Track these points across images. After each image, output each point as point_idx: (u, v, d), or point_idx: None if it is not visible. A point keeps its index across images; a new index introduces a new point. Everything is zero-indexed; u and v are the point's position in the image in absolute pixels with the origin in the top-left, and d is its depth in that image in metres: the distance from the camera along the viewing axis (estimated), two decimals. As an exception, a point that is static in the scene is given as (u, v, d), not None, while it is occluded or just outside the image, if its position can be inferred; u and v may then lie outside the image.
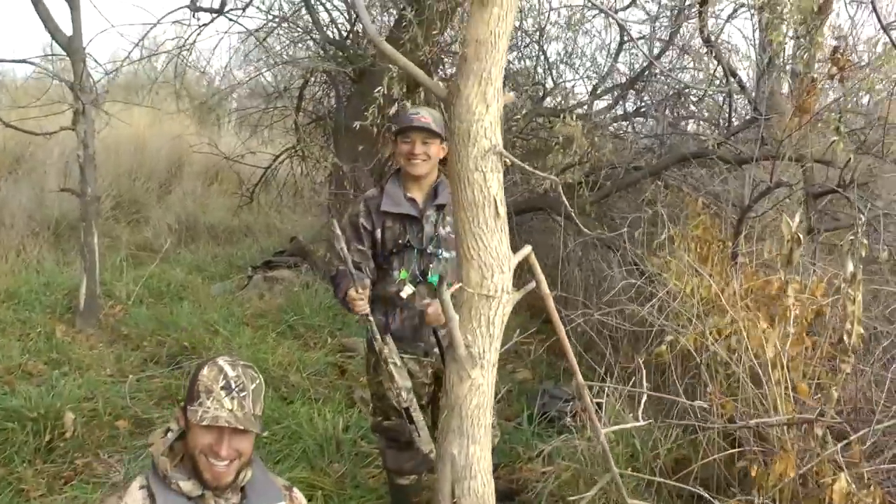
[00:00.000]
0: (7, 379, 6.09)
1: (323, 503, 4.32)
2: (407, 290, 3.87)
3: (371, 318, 3.79)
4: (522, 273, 2.42)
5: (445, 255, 3.91)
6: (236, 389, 2.32)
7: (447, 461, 2.31)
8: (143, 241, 11.06)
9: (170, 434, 2.40)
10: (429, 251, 3.89)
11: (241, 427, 2.27)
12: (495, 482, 4.79)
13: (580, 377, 2.36)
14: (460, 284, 2.25)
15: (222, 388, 2.32)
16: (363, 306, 3.73)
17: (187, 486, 2.33)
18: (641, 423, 2.45)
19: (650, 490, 4.32)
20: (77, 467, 4.97)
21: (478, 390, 2.26)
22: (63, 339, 7.17)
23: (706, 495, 2.41)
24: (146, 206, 12.55)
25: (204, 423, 2.28)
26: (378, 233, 3.95)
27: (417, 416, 3.87)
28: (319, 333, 7.22)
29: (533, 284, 2.33)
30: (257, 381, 2.38)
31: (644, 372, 2.98)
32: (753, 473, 2.94)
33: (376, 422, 4.20)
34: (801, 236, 3.25)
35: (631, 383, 5.11)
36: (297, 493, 2.58)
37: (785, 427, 3.28)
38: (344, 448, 4.96)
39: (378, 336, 3.81)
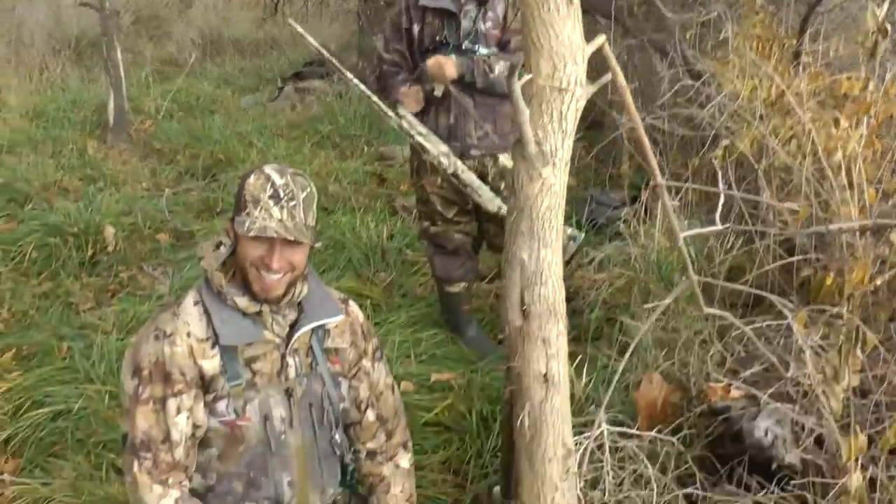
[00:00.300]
0: (45, 195, 6.04)
1: (371, 312, 4.27)
2: (439, 89, 3.68)
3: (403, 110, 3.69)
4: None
5: (483, 51, 3.70)
6: (285, 198, 2.15)
7: (516, 266, 2.18)
8: (167, 56, 10.80)
9: (222, 248, 2.27)
10: (464, 47, 3.69)
11: (291, 238, 2.11)
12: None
13: (659, 176, 2.19)
14: (529, 76, 2.06)
15: (270, 197, 2.14)
16: (418, 104, 3.66)
17: (243, 301, 2.20)
18: (720, 227, 2.28)
19: (706, 297, 4.22)
20: (122, 280, 4.97)
21: (549, 190, 2.10)
22: (95, 155, 7.08)
23: (773, 298, 2.27)
24: (167, 21, 12.19)
25: (251, 233, 2.12)
26: (416, 29, 3.76)
27: (468, 175, 3.74)
28: (356, 143, 7.05)
29: (608, 77, 2.13)
30: (308, 190, 2.19)
31: (719, 172, 2.78)
32: (828, 282, 2.81)
33: (423, 228, 4.08)
34: (889, 27, 2.98)
35: (683, 190, 4.95)
36: (353, 307, 2.47)
37: (857, 233, 3.13)
38: (389, 257, 4.89)
39: (402, 117, 3.69)
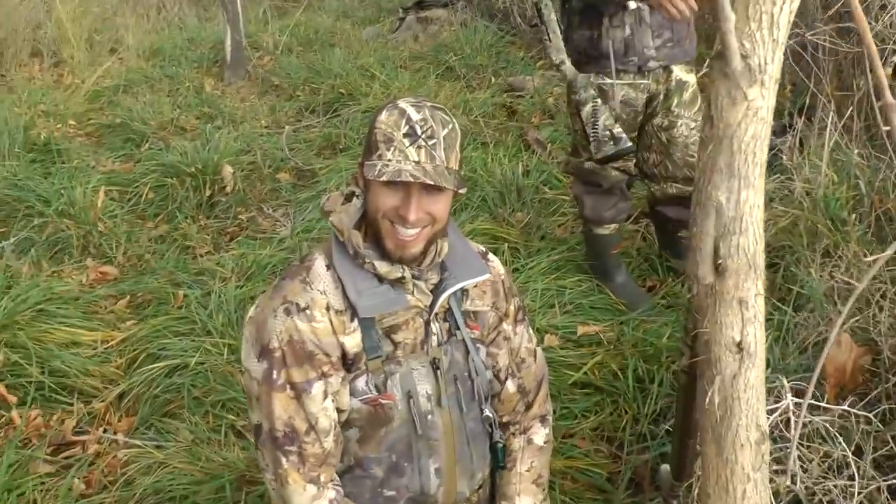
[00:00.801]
0: (161, 135, 5.86)
1: (509, 257, 3.89)
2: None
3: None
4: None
5: None
6: (423, 136, 1.77)
7: (710, 211, 1.76)
8: (285, -8, 10.51)
9: (355, 201, 1.92)
10: None
11: (431, 182, 1.75)
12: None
13: (889, 95, 1.72)
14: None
15: (405, 135, 1.78)
16: None
17: (384, 267, 1.86)
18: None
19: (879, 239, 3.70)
20: (241, 223, 4.75)
21: (755, 116, 1.66)
22: (213, 92, 6.89)
23: None
24: (285, -44, 11.90)
25: (384, 178, 1.76)
26: None
27: (547, 12, 3.33)
28: (482, 73, 6.60)
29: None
30: (450, 126, 1.82)
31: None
32: None
33: (574, 163, 3.65)
34: None
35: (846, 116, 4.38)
36: (495, 261, 2.11)
37: None
38: (526, 195, 4.47)
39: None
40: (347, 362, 1.87)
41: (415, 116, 1.79)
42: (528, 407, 2.15)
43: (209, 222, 4.72)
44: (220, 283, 3.81)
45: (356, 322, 1.86)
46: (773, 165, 4.70)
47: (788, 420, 2.22)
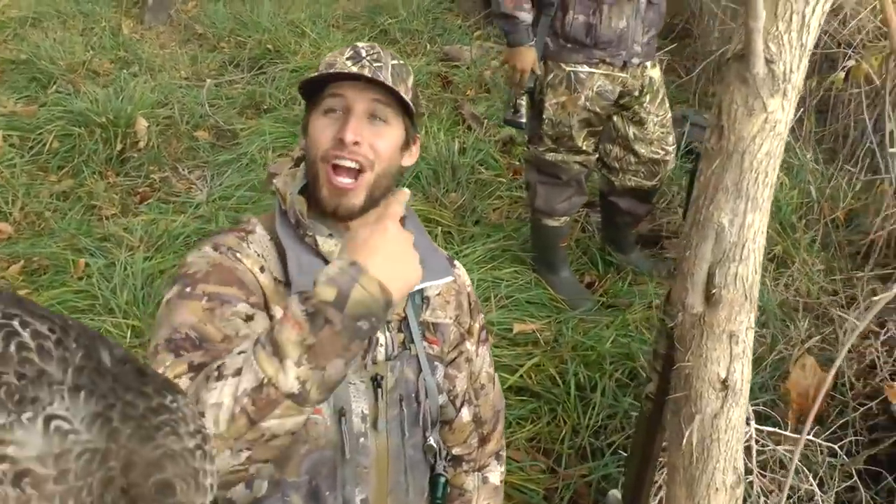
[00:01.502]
0: (71, 77, 5.40)
1: (443, 242, 3.63)
2: None
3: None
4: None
5: None
6: (368, 58, 1.53)
7: (709, 233, 1.54)
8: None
9: (303, 166, 1.64)
10: None
11: (370, 75, 1.50)
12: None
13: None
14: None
15: (349, 58, 1.54)
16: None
17: (328, 244, 1.58)
18: None
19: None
20: (153, 183, 4.37)
21: (772, 130, 1.45)
22: (131, 35, 6.42)
23: None
24: None
25: (313, 75, 1.53)
26: None
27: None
28: (417, 39, 6.29)
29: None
30: (401, 61, 1.58)
31: None
32: None
33: (535, 152, 3.45)
34: None
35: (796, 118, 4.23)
36: (461, 269, 1.83)
37: None
38: (461, 175, 4.21)
39: None
40: None
41: (361, 44, 1.57)
42: (484, 441, 1.89)
43: (118, 180, 4.34)
44: (126, 253, 3.45)
45: None
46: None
47: (748, 448, 2.06)
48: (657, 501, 2.26)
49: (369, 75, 1.51)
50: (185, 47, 6.34)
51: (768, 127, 1.44)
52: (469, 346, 1.80)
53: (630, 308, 3.42)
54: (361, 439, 1.63)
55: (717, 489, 1.74)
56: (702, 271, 1.58)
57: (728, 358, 1.64)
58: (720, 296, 1.58)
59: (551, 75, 3.26)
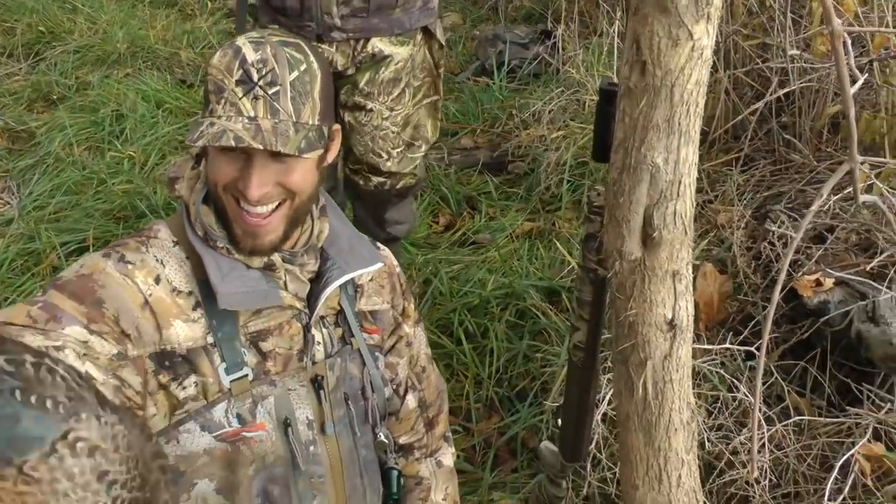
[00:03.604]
0: None
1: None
2: None
3: None
4: None
5: None
6: (261, 83, 1.32)
7: (643, 176, 1.44)
8: None
9: (204, 164, 1.43)
10: None
11: (260, 146, 1.30)
12: (475, 153, 4.08)
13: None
14: None
15: (238, 82, 1.32)
16: None
17: (243, 253, 1.41)
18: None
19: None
20: (-46, 204, 3.88)
21: (700, 58, 1.35)
22: None
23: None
24: None
25: (199, 143, 1.32)
26: None
27: None
28: (203, -1, 5.88)
29: None
30: (302, 67, 1.36)
31: None
32: None
33: None
34: None
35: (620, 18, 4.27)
36: (386, 251, 1.69)
37: None
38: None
39: None
40: (172, 361, 1.37)
41: (251, 57, 1.33)
42: (431, 425, 1.79)
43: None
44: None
45: (200, 312, 1.39)
46: (531, 76, 4.52)
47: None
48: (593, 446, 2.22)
49: (261, 143, 1.29)
50: (-61, 41, 5.67)
51: (696, 55, 1.34)
52: (407, 328, 1.70)
53: (494, 243, 3.35)
54: (311, 447, 1.50)
55: (675, 429, 1.69)
56: (638, 216, 1.49)
57: (673, 298, 1.57)
58: (660, 237, 1.50)
59: None
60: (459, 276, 3.15)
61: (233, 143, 1.28)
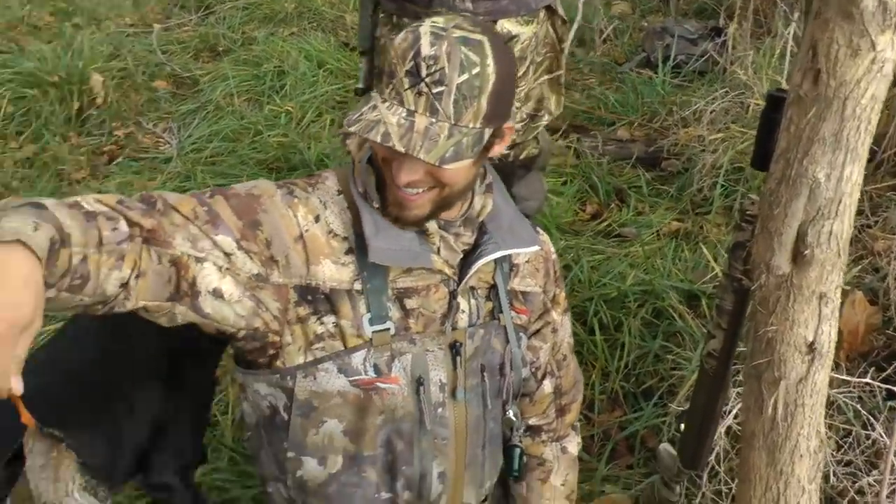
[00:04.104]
0: (11, 35, 5.04)
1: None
2: None
3: None
4: None
5: None
6: (427, 80, 1.31)
7: (802, 189, 1.38)
8: None
9: None
10: None
11: (402, 150, 1.30)
12: (630, 145, 4.00)
13: None
14: None
15: (407, 73, 1.32)
16: None
17: (389, 219, 1.47)
18: None
19: None
20: (118, 139, 4.12)
21: (880, 72, 1.28)
22: (65, -17, 6.00)
23: None
24: None
25: (350, 129, 1.34)
26: None
27: None
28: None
29: None
30: (475, 70, 1.32)
31: None
32: None
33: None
34: None
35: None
36: (545, 236, 1.71)
37: None
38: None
39: None
40: (314, 297, 1.43)
41: (425, 50, 1.31)
42: (563, 412, 1.80)
43: (82, 140, 4.07)
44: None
45: (351, 259, 1.45)
46: (697, 73, 4.40)
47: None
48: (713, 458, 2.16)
49: (402, 145, 1.29)
50: (126, -10, 5.97)
51: (875, 68, 1.28)
52: (555, 315, 1.72)
53: (638, 238, 3.30)
54: (440, 409, 1.54)
55: (801, 455, 1.63)
56: (791, 230, 1.43)
57: (816, 320, 1.51)
58: (812, 256, 1.43)
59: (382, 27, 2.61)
60: (600, 266, 3.11)
61: (378, 140, 1.30)
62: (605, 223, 3.46)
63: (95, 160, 3.93)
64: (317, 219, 1.44)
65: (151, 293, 1.26)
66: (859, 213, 2.97)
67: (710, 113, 3.63)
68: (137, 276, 1.22)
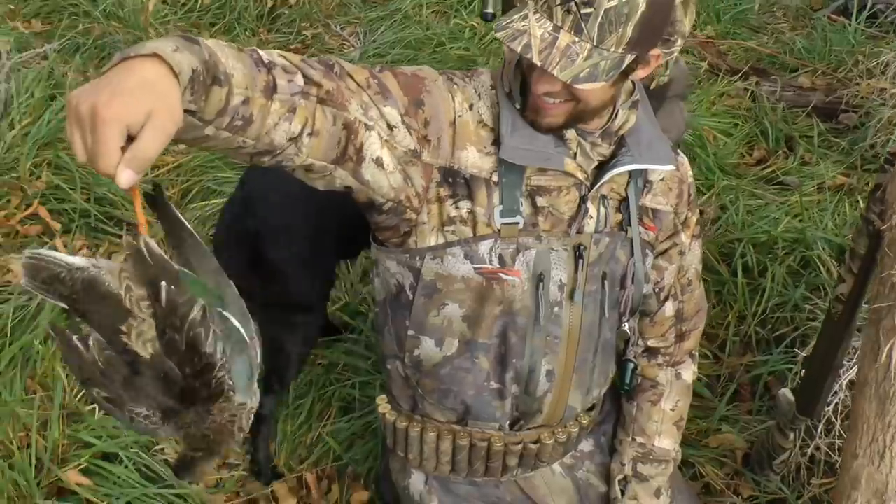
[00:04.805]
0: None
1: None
2: None
3: None
4: None
5: None
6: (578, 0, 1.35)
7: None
8: None
9: None
10: None
11: (540, 64, 1.34)
12: (809, 94, 3.84)
13: None
14: None
15: None
16: None
17: (526, 122, 1.52)
18: None
19: None
20: (305, 39, 4.30)
21: None
22: None
23: None
24: None
25: (497, 35, 1.40)
26: None
27: None
28: None
29: None
30: None
31: None
32: None
33: None
34: None
35: None
36: (684, 159, 1.74)
37: None
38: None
39: None
40: (455, 180, 1.51)
41: None
42: (682, 338, 1.83)
43: (270, 37, 4.28)
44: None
45: (494, 149, 1.51)
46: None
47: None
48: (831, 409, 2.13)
49: (539, 60, 1.33)
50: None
51: None
52: (684, 238, 1.73)
53: (800, 188, 3.21)
54: (556, 308, 1.61)
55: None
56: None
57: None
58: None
59: None
60: (756, 211, 3.07)
61: (519, 51, 1.35)
62: (770, 169, 3.38)
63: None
64: (471, 107, 1.51)
65: (322, 152, 1.32)
66: None
67: (897, 66, 3.45)
68: (311, 134, 1.28)
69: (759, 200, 3.15)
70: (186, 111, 1.05)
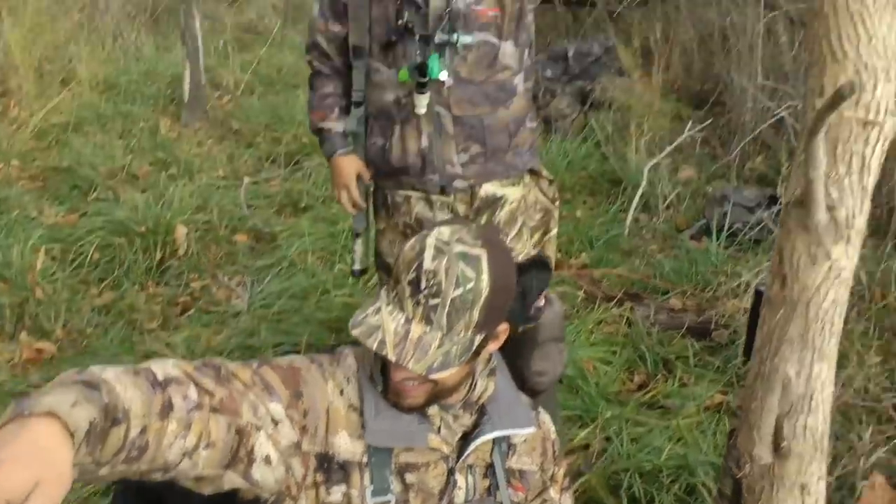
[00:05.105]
0: (111, 184, 5.44)
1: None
2: (422, 105, 2.48)
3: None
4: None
5: (466, 39, 2.46)
6: (426, 292, 1.46)
7: (775, 386, 1.46)
8: (248, 23, 10.15)
9: None
10: (437, 40, 2.45)
11: (394, 360, 1.45)
12: (681, 315, 4.08)
13: None
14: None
15: (409, 282, 1.47)
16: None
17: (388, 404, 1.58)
18: None
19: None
20: (193, 292, 4.32)
21: (837, 279, 1.38)
22: (168, 135, 6.49)
23: None
24: (247, -16, 11.53)
25: (354, 332, 1.49)
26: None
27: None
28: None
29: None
30: (469, 285, 1.46)
31: None
32: None
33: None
34: None
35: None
36: (545, 416, 1.81)
37: None
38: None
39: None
40: (329, 465, 1.53)
41: (426, 264, 1.46)
42: None
43: (159, 290, 4.29)
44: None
45: (364, 432, 1.55)
46: (752, 242, 4.46)
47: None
48: None
49: (396, 358, 1.43)
50: (222, 144, 6.37)
51: (833, 275, 1.36)
52: (553, 493, 1.77)
53: (680, 412, 3.31)
54: None
55: None
56: (769, 423, 1.49)
57: (800, 510, 1.54)
58: (789, 448, 1.49)
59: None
60: (641, 438, 3.13)
61: (374, 348, 1.44)
62: (651, 394, 3.48)
63: (168, 311, 4.12)
64: (341, 392, 1.57)
65: (217, 461, 1.33)
66: (886, 390, 2.95)
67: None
68: (207, 446, 1.29)
69: (643, 427, 3.21)
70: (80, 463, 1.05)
